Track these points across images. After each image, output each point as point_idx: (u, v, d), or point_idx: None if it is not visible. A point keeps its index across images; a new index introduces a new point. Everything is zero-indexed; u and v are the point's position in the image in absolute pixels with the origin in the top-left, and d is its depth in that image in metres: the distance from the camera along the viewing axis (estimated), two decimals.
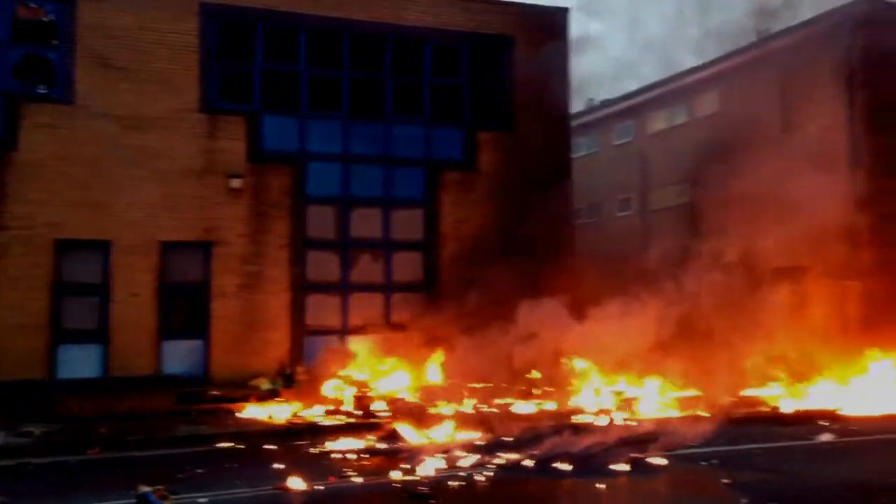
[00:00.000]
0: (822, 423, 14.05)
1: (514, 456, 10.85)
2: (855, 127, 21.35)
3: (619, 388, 17.18)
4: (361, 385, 17.20)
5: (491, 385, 16.94)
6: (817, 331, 21.11)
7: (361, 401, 16.23)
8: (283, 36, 20.03)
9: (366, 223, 20.36)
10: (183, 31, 18.91)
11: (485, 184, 21.25)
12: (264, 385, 18.11)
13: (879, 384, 17.94)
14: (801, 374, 18.74)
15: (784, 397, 17.01)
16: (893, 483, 9.23)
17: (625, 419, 14.59)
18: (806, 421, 14.36)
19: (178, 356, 18.27)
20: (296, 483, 9.45)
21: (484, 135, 21.44)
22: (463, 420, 13.94)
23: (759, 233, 22.38)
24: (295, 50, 20.12)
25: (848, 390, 17.69)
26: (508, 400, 16.37)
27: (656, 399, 16.58)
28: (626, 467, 10.09)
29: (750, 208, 23.18)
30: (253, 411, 16.13)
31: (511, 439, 12.05)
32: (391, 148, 20.74)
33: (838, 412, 15.23)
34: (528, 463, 10.56)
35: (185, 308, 18.74)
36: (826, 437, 12.44)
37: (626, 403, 16.18)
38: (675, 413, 15.60)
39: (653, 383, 16.98)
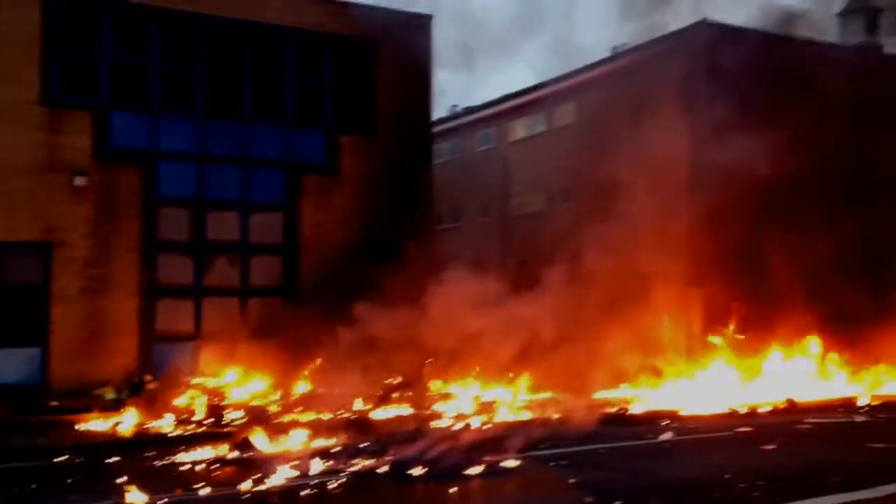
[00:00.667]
0: (664, 422, 14.71)
1: (368, 462, 10.75)
2: (696, 143, 22.52)
3: (478, 392, 17.43)
4: (214, 393, 16.65)
5: (350, 391, 16.79)
6: (666, 334, 22.24)
7: (214, 410, 15.71)
8: (133, 29, 19.24)
9: (222, 226, 19.80)
10: (24, 21, 17.78)
11: (346, 187, 21.11)
12: (109, 394, 17.24)
13: (715, 384, 19.06)
14: (653, 376, 19.65)
15: (634, 399, 17.72)
16: (726, 478, 9.72)
17: (482, 423, 14.77)
18: (651, 421, 15.00)
19: (13, 365, 17.10)
20: (137, 497, 8.99)
21: (346, 138, 21.31)
22: (320, 427, 13.71)
23: (614, 241, 23.32)
24: (145, 44, 19.34)
25: (690, 390, 18.68)
26: (367, 406, 16.26)
27: (514, 402, 16.91)
28: (479, 470, 10.18)
29: (606, 216, 24.19)
30: (96, 423, 15.29)
31: (367, 445, 11.95)
32: (250, 149, 20.28)
33: (679, 412, 16.00)
34: (383, 469, 10.48)
35: (20, 313, 17.58)
36: (667, 436, 13.03)
37: (485, 407, 16.41)
38: (530, 416, 15.98)
39: (511, 387, 17.33)
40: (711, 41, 22.50)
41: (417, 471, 10.21)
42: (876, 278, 22.34)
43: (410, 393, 17.01)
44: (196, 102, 19.73)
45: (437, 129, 25.66)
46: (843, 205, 20.69)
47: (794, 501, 8.46)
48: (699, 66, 22.67)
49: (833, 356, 21.08)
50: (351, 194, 20.93)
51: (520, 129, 30.39)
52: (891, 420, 14.69)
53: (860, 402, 17.04)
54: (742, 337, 22.25)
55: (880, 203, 21.79)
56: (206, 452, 11.94)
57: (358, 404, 16.23)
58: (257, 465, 10.70)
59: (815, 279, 21.55)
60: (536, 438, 12.52)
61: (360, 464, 10.70)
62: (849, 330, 21.45)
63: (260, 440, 12.37)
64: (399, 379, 17.30)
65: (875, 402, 17.00)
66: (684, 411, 16.19)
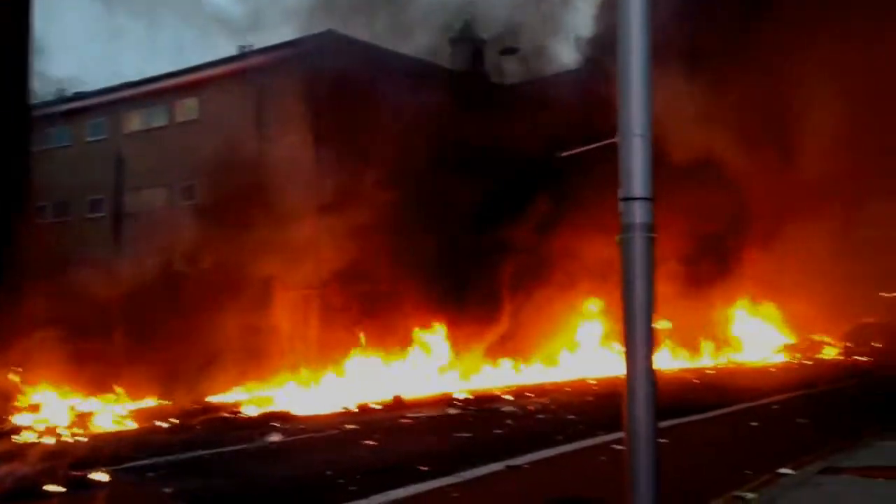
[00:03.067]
0: (275, 424, 14.62)
1: None
2: (320, 148, 22.95)
3: (75, 402, 15.91)
4: None
5: None
6: (285, 337, 22.31)
7: None
8: None
9: None
10: None
11: None
12: None
13: (331, 384, 19.56)
14: (268, 377, 19.51)
15: (246, 401, 17.41)
16: (328, 475, 9.86)
17: (73, 435, 13.45)
18: (261, 423, 14.81)
19: None
20: None
21: None
22: None
23: (235, 242, 22.86)
24: None
25: (304, 391, 18.90)
26: None
27: (115, 412, 15.68)
28: (61, 488, 9.15)
29: (229, 217, 23.64)
30: None
31: None
32: None
33: (292, 413, 16.04)
34: None
35: None
36: (276, 438, 12.94)
37: (82, 418, 14.99)
38: (132, 425, 14.96)
39: (111, 395, 16.08)
40: (334, 52, 23.06)
41: None
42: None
43: None
44: None
45: (44, 112, 23.06)
46: (441, 216, 22.33)
47: (387, 491, 8.83)
48: (322, 75, 23.10)
49: (448, 353, 22.75)
50: None
51: (137, 121, 28.55)
52: (479, 411, 16.14)
53: (458, 397, 18.50)
54: (363, 337, 23.19)
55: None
56: None
57: None
58: None
59: (426, 280, 23.06)
60: (134, 448, 11.72)
61: None
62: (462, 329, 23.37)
63: None
64: None
65: (470, 396, 18.58)
66: (297, 412, 16.28)
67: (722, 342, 32.04)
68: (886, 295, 47.09)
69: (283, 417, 15.44)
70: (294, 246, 21.15)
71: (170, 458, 11.35)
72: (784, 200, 26.63)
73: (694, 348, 30.48)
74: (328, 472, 10.01)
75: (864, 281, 34.66)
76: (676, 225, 19.07)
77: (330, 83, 22.79)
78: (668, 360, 27.24)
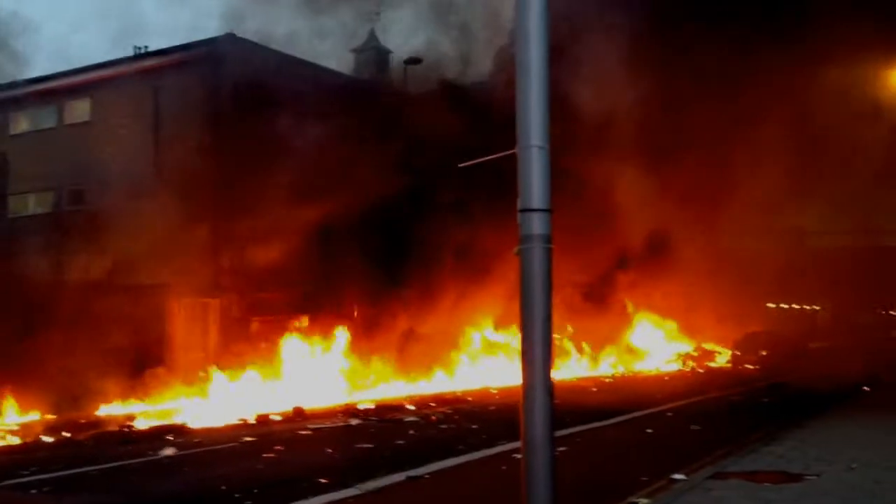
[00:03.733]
0: (169, 437, 14.13)
1: None
2: (219, 153, 22.37)
3: None
4: None
5: None
6: (181, 347, 21.65)
7: None
8: None
9: None
10: None
11: None
12: None
13: (230, 395, 19.06)
14: (163, 388, 18.88)
15: (139, 415, 16.81)
16: (223, 490, 9.58)
17: None
18: (154, 437, 14.28)
19: None
20: None
21: None
22: None
23: (127, 249, 22.08)
24: None
25: (202, 402, 18.36)
26: None
27: None
28: None
29: (123, 223, 22.81)
30: None
31: None
32: None
33: (188, 425, 15.55)
34: None
35: None
36: (170, 452, 12.49)
37: None
38: (16, 440, 14.23)
39: None
40: (236, 56, 22.58)
41: None
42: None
43: None
44: None
45: None
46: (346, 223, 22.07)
47: None
48: (222, 79, 22.60)
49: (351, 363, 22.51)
50: None
51: (24, 123, 27.23)
52: (382, 421, 16.01)
53: (360, 407, 18.32)
54: (264, 346, 22.72)
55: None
56: None
57: None
58: None
59: (330, 288, 22.81)
60: (18, 464, 11.16)
61: None
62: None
63: None
64: None
65: (372, 406, 18.42)
66: (193, 425, 15.78)
67: (620, 351, 32.90)
68: (772, 306, 49.47)
69: (178, 431, 14.92)
70: (190, 253, 20.56)
71: (55, 474, 10.82)
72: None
73: (593, 357, 31.19)
74: (222, 487, 9.72)
75: (750, 293, 36.36)
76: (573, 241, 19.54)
77: (231, 87, 22.33)
78: (566, 369, 27.76)
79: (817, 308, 59.02)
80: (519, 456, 5.22)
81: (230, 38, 22.79)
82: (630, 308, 34.49)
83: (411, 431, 14.59)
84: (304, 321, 22.64)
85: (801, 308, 57.34)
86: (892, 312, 62.28)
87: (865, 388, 20.48)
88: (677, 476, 9.41)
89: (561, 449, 10.98)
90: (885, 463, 9.66)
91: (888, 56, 22.38)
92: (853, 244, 40.62)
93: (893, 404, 16.76)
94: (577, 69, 20.79)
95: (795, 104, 22.73)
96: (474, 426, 14.96)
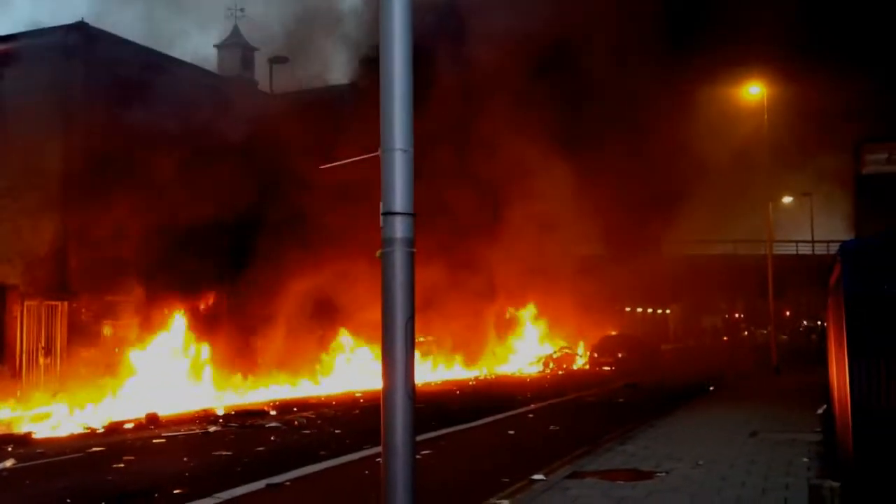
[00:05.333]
0: (8, 448, 13.21)
1: None
2: (68, 146, 21.16)
3: None
4: None
5: None
6: (23, 351, 20.32)
7: None
8: None
9: None
10: None
11: None
12: None
13: (72, 401, 18.03)
14: None
15: None
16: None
17: None
18: None
19: None
20: None
21: None
22: None
23: None
24: None
25: (49, 411, 17.28)
26: None
27: None
28: None
29: None
30: None
31: None
32: None
33: (31, 436, 14.60)
34: None
35: None
36: (8, 464, 11.66)
37: None
38: None
39: None
40: (88, 45, 21.41)
41: None
42: None
43: None
44: None
45: None
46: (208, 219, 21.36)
47: None
48: (73, 68, 21.37)
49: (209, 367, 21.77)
50: None
51: None
52: (242, 427, 15.55)
53: (219, 413, 17.75)
54: (117, 350, 21.64)
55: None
56: None
57: None
58: None
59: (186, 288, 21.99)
60: None
61: None
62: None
63: None
64: None
65: (232, 412, 17.88)
66: (36, 435, 14.83)
67: (485, 353, 33.47)
68: (628, 309, 51.73)
69: (19, 441, 13.98)
70: (35, 251, 19.33)
71: None
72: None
73: (458, 360, 31.59)
74: (67, 500, 9.16)
75: (608, 297, 37.92)
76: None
77: (83, 78, 21.18)
78: (431, 372, 27.95)
79: (668, 311, 62.17)
80: (382, 460, 5.16)
81: (81, 26, 21.59)
82: (509, 312, 35.30)
83: (273, 437, 14.25)
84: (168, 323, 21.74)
85: (654, 312, 60.24)
86: (736, 315, 66.50)
87: (711, 387, 21.75)
88: (537, 476, 9.61)
89: (424, 452, 11.05)
90: (729, 460, 10.22)
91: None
92: (703, 252, 43.16)
93: (734, 401, 17.82)
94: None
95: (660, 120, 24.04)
96: (338, 431, 14.80)
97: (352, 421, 16.31)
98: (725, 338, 58.61)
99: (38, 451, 13.06)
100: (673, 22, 22.61)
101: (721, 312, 66.01)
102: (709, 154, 26.73)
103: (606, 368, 33.27)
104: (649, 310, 59.05)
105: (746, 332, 59.16)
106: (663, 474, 9.33)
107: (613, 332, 39.36)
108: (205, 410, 18.30)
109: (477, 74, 23.74)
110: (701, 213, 35.08)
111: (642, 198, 30.24)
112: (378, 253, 4.96)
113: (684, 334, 61.19)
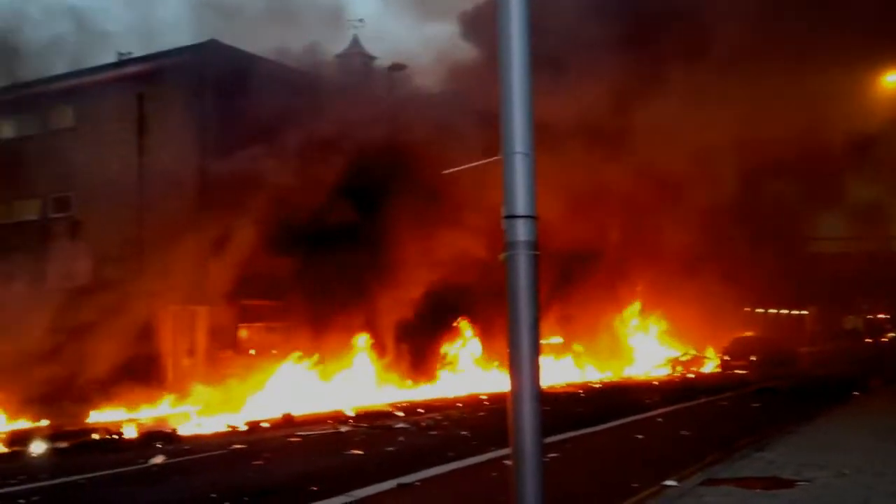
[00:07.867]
0: (158, 445, 14.04)
1: None
2: (205, 159, 22.21)
3: None
4: None
5: None
6: (170, 355, 21.51)
7: None
8: None
9: None
10: None
11: None
12: None
13: (219, 401, 18.92)
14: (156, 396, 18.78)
15: (128, 422, 16.66)
16: (212, 499, 9.50)
17: None
18: (143, 445, 14.20)
19: None
20: None
21: None
22: None
23: (114, 256, 21.97)
24: None
25: (192, 409, 18.21)
26: None
27: None
28: None
29: (110, 229, 22.66)
30: None
31: None
32: None
33: (177, 432, 15.45)
34: None
35: None
36: (159, 460, 12.40)
37: None
38: (2, 448, 14.10)
39: None
40: (220, 62, 22.41)
41: None
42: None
43: None
44: None
45: None
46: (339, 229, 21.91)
47: None
48: (206, 85, 22.43)
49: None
50: None
51: (7, 128, 26.98)
52: (371, 428, 15.93)
53: (348, 414, 18.22)
54: (253, 353, 22.58)
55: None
56: None
57: None
58: None
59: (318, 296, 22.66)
60: (6, 473, 11.05)
61: None
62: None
63: None
64: None
65: (361, 413, 18.33)
66: (182, 432, 15.69)
67: (610, 356, 32.90)
68: (761, 311, 49.55)
69: (167, 438, 14.83)
70: (178, 261, 20.40)
71: (43, 483, 10.73)
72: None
73: (583, 363, 31.20)
74: (212, 495, 9.64)
75: (732, 297, 36.49)
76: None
77: (215, 93, 22.23)
78: (556, 375, 27.70)
79: (804, 312, 59.20)
80: (509, 462, 5.19)
81: (213, 44, 22.64)
82: (630, 310, 34.59)
83: (401, 438, 14.53)
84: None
85: (789, 313, 57.49)
86: (879, 316, 62.64)
87: (856, 392, 20.52)
88: (669, 482, 9.39)
89: (551, 455, 10.98)
90: (876, 469, 9.66)
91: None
92: (844, 250, 40.85)
93: (883, 409, 16.79)
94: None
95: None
96: (464, 432, 14.92)
97: (477, 423, 16.41)
98: (868, 340, 55.34)
99: (185, 448, 13.82)
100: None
101: (862, 313, 62.39)
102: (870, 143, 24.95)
103: (739, 372, 32.07)
104: (783, 311, 56.44)
105: (893, 334, 55.69)
106: (805, 483, 8.90)
107: (747, 334, 37.86)
108: (335, 411, 18.78)
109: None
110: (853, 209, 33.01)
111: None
112: (502, 256, 4.99)
113: (822, 336, 58.16)
